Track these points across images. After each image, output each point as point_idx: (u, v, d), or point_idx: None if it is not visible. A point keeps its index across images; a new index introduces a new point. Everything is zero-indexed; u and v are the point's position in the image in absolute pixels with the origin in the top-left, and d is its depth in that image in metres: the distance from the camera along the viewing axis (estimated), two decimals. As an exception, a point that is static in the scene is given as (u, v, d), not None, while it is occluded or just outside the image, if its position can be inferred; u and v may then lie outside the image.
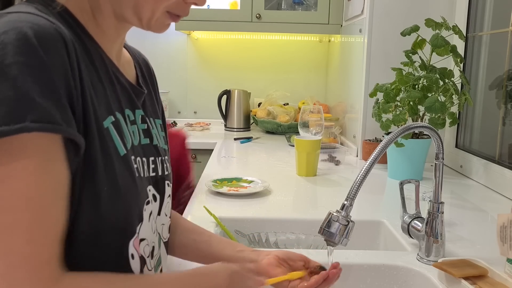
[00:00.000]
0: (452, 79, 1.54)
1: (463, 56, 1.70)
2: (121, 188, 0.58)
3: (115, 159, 0.58)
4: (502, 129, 1.53)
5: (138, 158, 0.65)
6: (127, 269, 0.61)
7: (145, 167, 0.67)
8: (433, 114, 1.48)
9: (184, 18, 0.66)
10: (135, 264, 0.62)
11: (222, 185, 1.45)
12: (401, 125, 1.34)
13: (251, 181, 1.49)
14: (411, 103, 1.51)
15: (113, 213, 0.57)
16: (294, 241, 1.09)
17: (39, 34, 0.49)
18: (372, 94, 1.63)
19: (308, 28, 2.47)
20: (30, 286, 0.48)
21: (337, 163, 1.85)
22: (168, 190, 0.74)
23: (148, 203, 0.65)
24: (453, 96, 1.50)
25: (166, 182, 0.73)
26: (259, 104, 2.77)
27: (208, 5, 2.49)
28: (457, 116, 1.71)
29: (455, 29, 1.52)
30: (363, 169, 0.78)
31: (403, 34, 1.56)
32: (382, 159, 1.65)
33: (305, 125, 1.74)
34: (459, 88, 1.60)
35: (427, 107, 1.45)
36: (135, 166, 0.63)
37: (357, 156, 1.98)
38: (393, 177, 1.62)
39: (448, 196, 1.43)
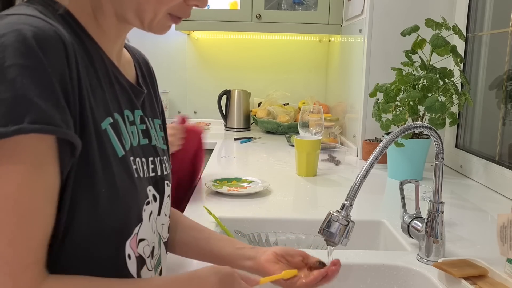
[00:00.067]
0: (452, 79, 1.54)
1: (463, 56, 1.70)
2: (119, 190, 0.58)
3: (113, 161, 0.58)
4: (502, 129, 1.53)
5: (138, 159, 0.65)
6: (124, 270, 0.60)
7: (145, 167, 0.67)
8: (433, 114, 1.48)
9: (184, 18, 0.66)
10: (132, 264, 0.61)
11: (222, 185, 1.45)
12: (401, 125, 1.34)
13: (251, 181, 1.49)
14: (411, 103, 1.51)
15: (111, 214, 0.57)
16: (294, 241, 1.08)
17: (38, 37, 0.49)
18: (372, 94, 1.63)
19: (308, 28, 2.47)
20: None
21: (337, 163, 1.85)
22: (168, 190, 0.74)
23: (148, 203, 0.65)
24: (453, 96, 1.50)
25: (166, 182, 0.73)
26: (259, 104, 2.77)
27: (208, 5, 2.49)
28: (457, 116, 1.71)
29: (455, 29, 1.52)
30: (363, 169, 0.78)
31: (403, 34, 1.56)
32: (382, 159, 1.65)
33: (305, 125, 1.74)
34: (459, 88, 1.60)
35: (427, 107, 1.45)
36: (135, 167, 0.63)
37: (357, 156, 1.98)
38: (393, 177, 1.62)
39: (448, 196, 1.43)
